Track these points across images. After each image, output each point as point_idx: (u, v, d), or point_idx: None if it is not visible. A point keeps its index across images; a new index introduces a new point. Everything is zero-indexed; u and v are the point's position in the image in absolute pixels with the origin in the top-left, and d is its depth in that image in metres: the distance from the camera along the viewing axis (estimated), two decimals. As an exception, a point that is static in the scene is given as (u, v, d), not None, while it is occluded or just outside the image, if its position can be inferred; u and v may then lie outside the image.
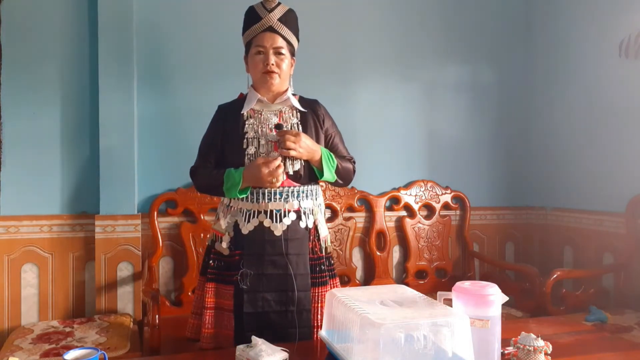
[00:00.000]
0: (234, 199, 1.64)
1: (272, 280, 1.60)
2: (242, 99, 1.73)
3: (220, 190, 1.63)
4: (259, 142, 1.63)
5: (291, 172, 1.62)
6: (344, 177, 1.77)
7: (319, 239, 1.70)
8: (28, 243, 2.41)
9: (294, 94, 1.75)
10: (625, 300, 2.56)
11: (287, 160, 1.61)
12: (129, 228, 2.45)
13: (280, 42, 1.66)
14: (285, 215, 1.61)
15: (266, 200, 1.60)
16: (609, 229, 2.71)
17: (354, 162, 1.83)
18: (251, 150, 1.62)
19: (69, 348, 1.65)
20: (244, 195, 1.61)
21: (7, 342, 2.11)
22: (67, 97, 2.48)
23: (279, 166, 1.56)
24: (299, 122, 1.69)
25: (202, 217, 2.57)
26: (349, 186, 2.85)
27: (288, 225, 1.61)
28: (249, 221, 1.61)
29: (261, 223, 1.60)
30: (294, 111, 1.71)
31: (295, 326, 1.58)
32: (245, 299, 1.58)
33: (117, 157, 2.45)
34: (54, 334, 2.15)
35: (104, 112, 2.44)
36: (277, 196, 1.60)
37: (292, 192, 1.62)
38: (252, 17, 1.67)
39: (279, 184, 1.58)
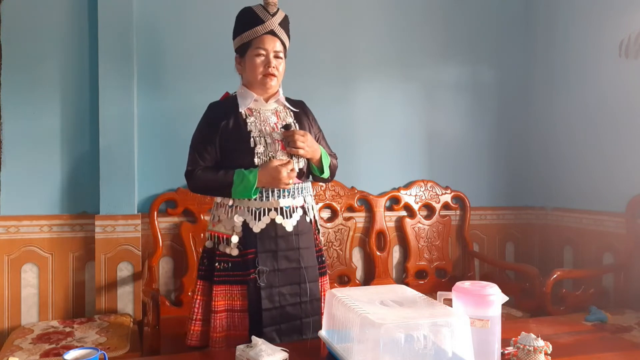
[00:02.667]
0: (240, 198, 1.64)
1: (286, 274, 1.65)
2: (231, 98, 1.75)
3: (227, 191, 1.63)
4: (265, 140, 1.65)
5: (297, 170, 1.67)
6: (333, 173, 1.86)
7: (318, 232, 1.78)
8: (28, 243, 2.41)
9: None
10: (625, 300, 2.56)
11: (293, 158, 1.67)
12: (129, 228, 2.45)
13: (279, 46, 1.70)
14: (294, 211, 1.67)
15: (276, 198, 1.64)
16: (609, 229, 2.71)
17: (337, 158, 1.91)
18: (260, 149, 1.64)
19: (69, 348, 1.65)
20: (255, 196, 1.63)
21: (7, 342, 2.11)
22: (67, 97, 2.48)
23: (293, 168, 1.63)
24: (295, 121, 1.74)
25: (202, 217, 2.56)
26: (349, 186, 2.87)
27: (297, 221, 1.67)
28: (260, 219, 1.63)
29: (272, 220, 1.64)
30: (288, 111, 1.77)
31: (308, 316, 1.66)
32: (263, 295, 1.60)
33: (117, 157, 2.45)
34: (54, 334, 2.15)
35: (103, 111, 2.44)
36: (286, 193, 1.66)
37: (298, 188, 1.69)
38: (252, 18, 1.68)
39: (292, 184, 1.64)
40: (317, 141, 1.80)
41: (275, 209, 1.64)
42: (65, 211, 2.48)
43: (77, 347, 1.73)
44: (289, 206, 1.66)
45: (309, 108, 1.85)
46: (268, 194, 1.64)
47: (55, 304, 2.44)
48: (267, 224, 1.64)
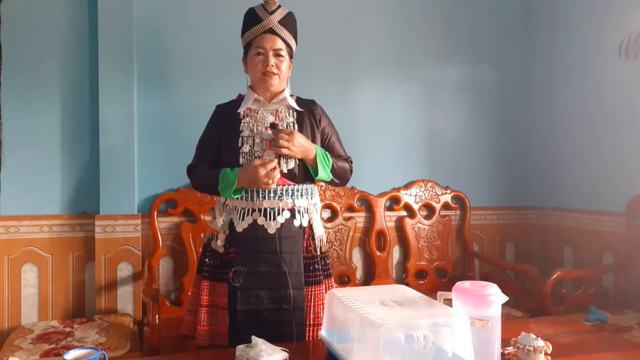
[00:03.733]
0: (226, 197, 1.66)
1: (266, 278, 1.61)
2: (240, 99, 1.75)
3: (215, 190, 1.65)
4: (254, 140, 1.65)
5: (285, 171, 1.63)
6: (340, 176, 1.77)
7: (313, 238, 1.71)
8: (28, 243, 2.41)
9: (291, 95, 1.76)
10: (625, 300, 2.56)
11: (282, 158, 1.62)
12: (129, 228, 2.45)
13: (280, 44, 1.67)
14: (279, 214, 1.62)
15: (260, 199, 1.62)
16: (609, 229, 2.71)
17: (351, 162, 1.84)
18: (246, 148, 1.63)
19: (69, 348, 1.65)
20: (239, 196, 1.62)
21: (7, 342, 2.11)
22: (67, 97, 2.48)
23: (274, 168, 1.58)
24: (295, 121, 1.71)
25: (202, 217, 2.57)
26: (349, 186, 2.86)
27: (282, 224, 1.62)
28: (243, 219, 1.62)
29: (255, 221, 1.62)
30: (290, 110, 1.73)
31: (288, 324, 1.59)
32: (239, 296, 1.59)
33: (117, 157, 2.45)
34: (54, 334, 2.15)
35: (104, 111, 2.44)
36: (271, 194, 1.62)
37: (287, 190, 1.64)
38: (252, 18, 1.68)
39: (274, 185, 1.59)
40: (326, 142, 1.77)
41: (259, 210, 1.61)
42: (65, 211, 2.48)
43: (77, 347, 1.73)
44: (274, 208, 1.62)
45: (319, 107, 1.80)
46: (253, 194, 1.62)
47: (55, 304, 2.44)
48: (249, 225, 1.62)
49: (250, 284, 1.60)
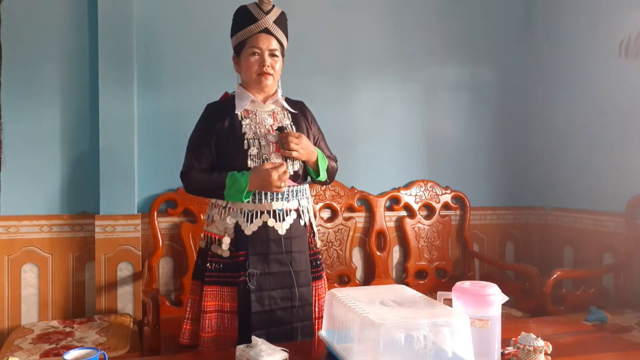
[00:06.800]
0: (232, 201, 1.64)
1: (278, 278, 1.63)
2: (230, 98, 1.73)
3: (220, 193, 1.62)
4: (259, 142, 1.64)
5: (292, 173, 1.64)
6: (332, 175, 1.83)
7: (314, 235, 1.75)
8: (28, 243, 2.41)
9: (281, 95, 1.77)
10: (625, 300, 2.56)
11: (288, 160, 1.64)
12: (129, 228, 2.45)
13: (275, 44, 1.67)
14: (287, 214, 1.64)
15: (269, 200, 1.62)
16: (609, 229, 2.71)
17: (337, 161, 1.88)
18: (253, 151, 1.62)
19: (69, 348, 1.65)
20: (248, 199, 1.61)
21: (7, 342, 2.11)
22: (67, 97, 2.48)
23: (285, 171, 1.59)
24: (292, 123, 1.71)
25: (202, 217, 2.56)
26: (349, 186, 2.87)
27: (290, 224, 1.64)
28: (252, 222, 1.62)
29: (265, 223, 1.62)
30: (285, 112, 1.74)
31: (300, 320, 1.63)
32: (253, 298, 1.59)
33: (117, 157, 2.45)
34: (54, 334, 2.15)
35: (103, 112, 2.44)
36: (279, 196, 1.63)
37: (293, 191, 1.66)
38: (246, 17, 1.66)
39: (285, 188, 1.61)
40: (315, 143, 1.79)
41: (268, 212, 1.62)
42: (65, 211, 2.48)
43: (77, 347, 1.73)
44: (282, 209, 1.63)
45: (308, 109, 1.83)
46: (261, 196, 1.61)
47: (55, 304, 2.44)
48: (259, 227, 1.61)
49: (264, 285, 1.61)
